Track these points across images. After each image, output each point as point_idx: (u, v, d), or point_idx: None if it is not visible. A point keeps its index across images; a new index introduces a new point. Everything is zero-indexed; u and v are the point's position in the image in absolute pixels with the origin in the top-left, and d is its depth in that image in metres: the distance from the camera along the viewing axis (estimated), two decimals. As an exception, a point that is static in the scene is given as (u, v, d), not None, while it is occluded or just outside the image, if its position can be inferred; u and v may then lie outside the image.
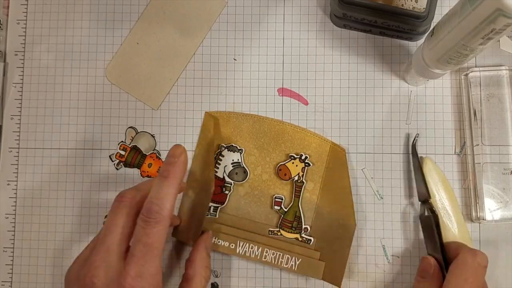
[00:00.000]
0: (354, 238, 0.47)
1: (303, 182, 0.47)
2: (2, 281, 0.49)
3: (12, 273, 0.49)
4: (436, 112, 0.48)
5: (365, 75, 0.49)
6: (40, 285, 0.48)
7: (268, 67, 0.49)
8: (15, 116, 0.50)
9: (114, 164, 0.49)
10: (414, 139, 0.47)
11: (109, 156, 0.49)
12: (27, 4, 0.51)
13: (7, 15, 0.51)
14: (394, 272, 0.47)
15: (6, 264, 0.49)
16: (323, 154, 0.47)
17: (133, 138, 0.49)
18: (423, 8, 0.43)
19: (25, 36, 0.51)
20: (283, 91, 0.49)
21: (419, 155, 0.47)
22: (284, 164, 0.47)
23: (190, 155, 0.49)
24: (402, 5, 0.44)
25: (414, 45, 0.49)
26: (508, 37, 0.49)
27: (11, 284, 0.48)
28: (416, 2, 0.44)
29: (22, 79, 0.51)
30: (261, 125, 0.48)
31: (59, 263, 0.49)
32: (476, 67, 0.48)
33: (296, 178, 0.47)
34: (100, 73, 0.50)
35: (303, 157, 0.47)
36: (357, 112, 0.48)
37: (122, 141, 0.49)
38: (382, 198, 0.48)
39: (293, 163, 0.47)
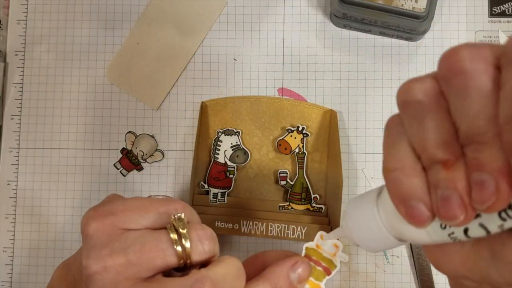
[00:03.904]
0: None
1: (305, 153, 0.47)
2: (2, 281, 0.48)
3: (12, 273, 0.49)
4: (436, 112, 0.48)
5: (365, 75, 0.49)
6: (40, 285, 0.48)
7: (268, 67, 0.49)
8: (15, 116, 0.50)
9: (120, 171, 0.49)
10: None
11: (114, 165, 0.49)
12: (27, 4, 0.51)
13: (8, 15, 0.51)
14: (394, 272, 0.47)
15: (6, 264, 0.49)
16: (325, 123, 0.48)
17: (133, 143, 0.49)
18: (423, 8, 0.43)
19: (25, 36, 0.51)
20: (283, 91, 0.49)
21: None
22: (282, 138, 0.47)
23: (190, 155, 0.49)
24: (402, 5, 0.44)
25: (414, 45, 0.49)
26: (508, 37, 0.48)
27: (10, 284, 0.48)
28: (416, 2, 0.44)
29: (22, 79, 0.51)
30: (259, 105, 0.48)
31: (59, 263, 0.48)
32: (476, 67, 0.48)
33: (296, 150, 0.47)
34: (100, 73, 0.50)
35: (300, 128, 0.47)
36: (357, 112, 0.48)
37: (123, 147, 0.49)
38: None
39: (291, 136, 0.47)
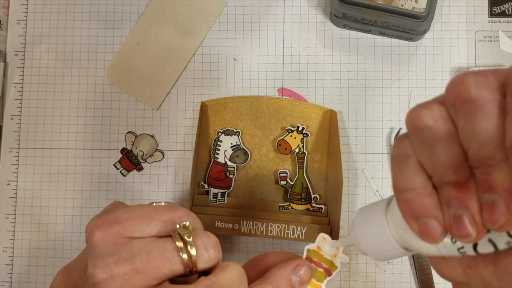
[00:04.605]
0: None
1: (305, 153, 0.47)
2: (2, 281, 0.48)
3: (12, 273, 0.49)
4: (436, 112, 0.48)
5: (365, 75, 0.49)
6: (40, 285, 0.48)
7: (268, 67, 0.49)
8: (15, 116, 0.50)
9: (120, 171, 0.49)
10: (398, 132, 0.47)
11: (114, 165, 0.49)
12: (27, 4, 0.51)
13: (7, 15, 0.51)
14: (394, 272, 0.47)
15: (6, 264, 0.49)
16: (325, 123, 0.48)
17: (133, 143, 0.49)
18: (423, 8, 0.43)
19: (25, 36, 0.51)
20: (283, 91, 0.49)
21: None
22: (282, 138, 0.47)
23: (190, 155, 0.49)
24: (402, 5, 0.44)
25: (414, 45, 0.49)
26: (508, 37, 0.49)
27: (10, 284, 0.48)
28: (416, 2, 0.44)
29: (22, 79, 0.51)
30: (259, 105, 0.48)
31: (59, 263, 0.49)
32: (476, 67, 0.48)
33: (296, 150, 0.47)
34: (100, 73, 0.50)
35: (300, 128, 0.47)
36: (357, 112, 0.48)
37: (123, 147, 0.49)
38: (382, 198, 0.48)
39: (291, 136, 0.47)
